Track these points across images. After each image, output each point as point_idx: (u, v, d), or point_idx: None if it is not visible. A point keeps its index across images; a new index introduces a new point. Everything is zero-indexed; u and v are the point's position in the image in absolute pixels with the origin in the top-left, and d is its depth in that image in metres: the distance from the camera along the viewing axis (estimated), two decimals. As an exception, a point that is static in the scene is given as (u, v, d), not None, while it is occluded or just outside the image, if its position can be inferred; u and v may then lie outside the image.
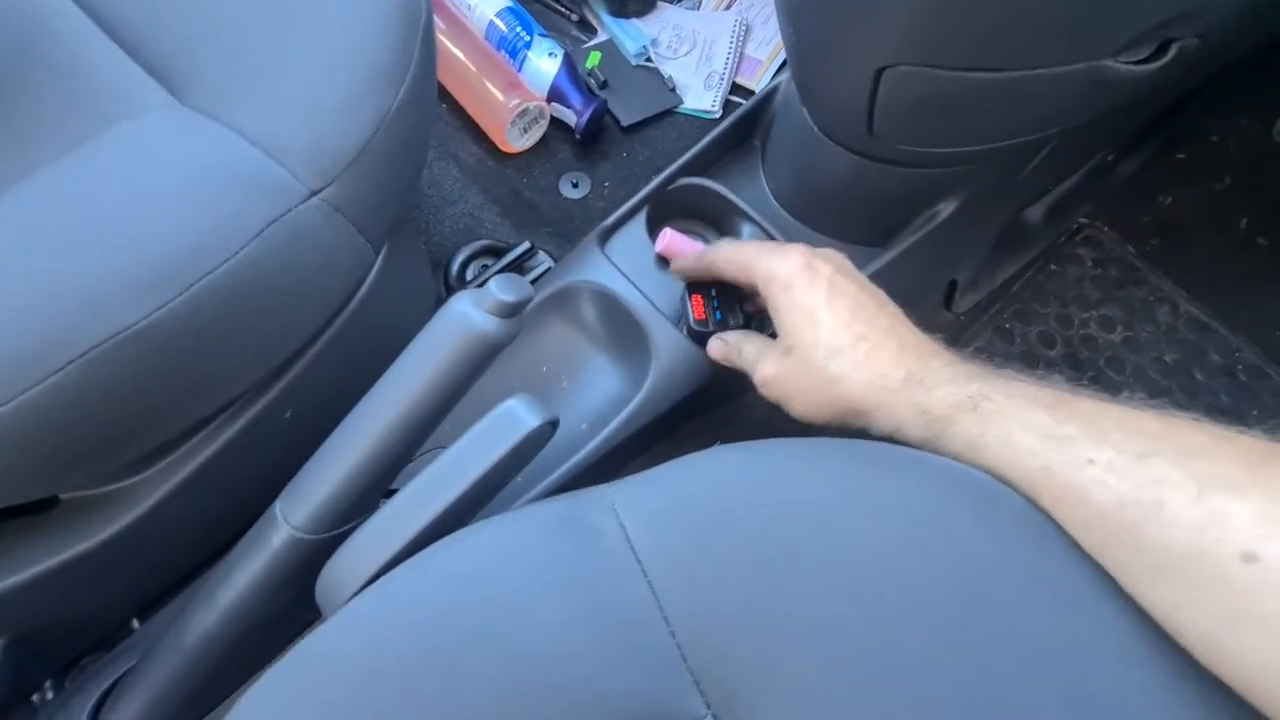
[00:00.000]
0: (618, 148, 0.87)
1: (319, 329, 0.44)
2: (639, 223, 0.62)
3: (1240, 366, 0.82)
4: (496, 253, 0.74)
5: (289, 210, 0.36)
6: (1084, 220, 0.87)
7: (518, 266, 0.69)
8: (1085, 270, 0.86)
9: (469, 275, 0.72)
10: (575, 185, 0.85)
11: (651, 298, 0.55)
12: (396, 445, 0.35)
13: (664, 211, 0.65)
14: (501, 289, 0.33)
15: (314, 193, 0.37)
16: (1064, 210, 0.85)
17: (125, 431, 0.36)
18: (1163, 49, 0.40)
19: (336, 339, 0.47)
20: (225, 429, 0.46)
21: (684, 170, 0.64)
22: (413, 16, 0.41)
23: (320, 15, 0.39)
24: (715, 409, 0.65)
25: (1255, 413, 0.80)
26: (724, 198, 0.63)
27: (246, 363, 0.40)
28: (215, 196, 0.35)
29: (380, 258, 0.47)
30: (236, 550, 0.38)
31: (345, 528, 0.37)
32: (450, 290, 0.71)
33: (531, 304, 0.56)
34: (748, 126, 0.68)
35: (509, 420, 0.32)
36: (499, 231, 0.77)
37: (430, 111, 0.47)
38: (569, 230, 0.81)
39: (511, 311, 0.34)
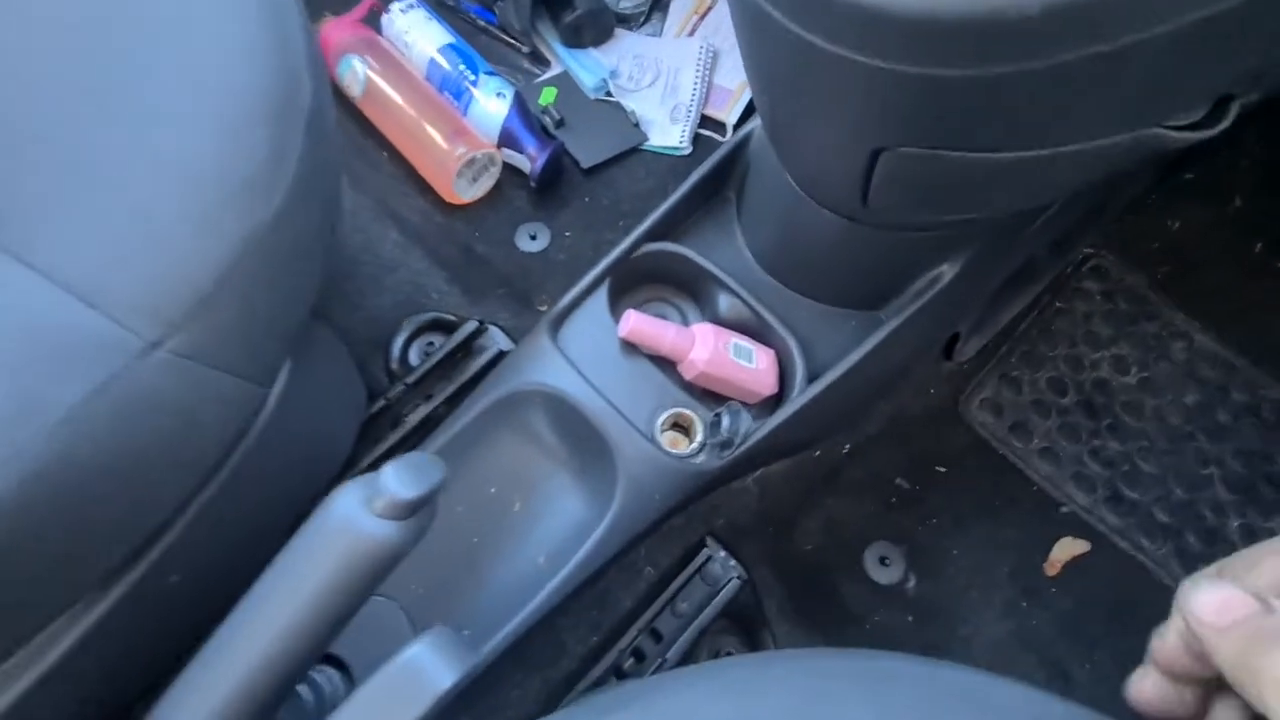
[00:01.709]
0: (578, 193, 0.78)
1: (194, 489, 0.35)
2: (599, 299, 0.53)
3: (1265, 404, 0.75)
4: (444, 328, 0.65)
5: (114, 375, 0.27)
6: (1090, 250, 0.80)
7: (466, 347, 0.60)
8: (1094, 305, 0.78)
9: (412, 358, 0.63)
10: (534, 237, 0.76)
11: (613, 399, 0.47)
12: (272, 679, 0.26)
13: (629, 280, 0.57)
14: (399, 481, 0.25)
15: (154, 345, 0.28)
16: (1069, 241, 0.77)
17: None
18: (1220, 109, 0.32)
19: (227, 487, 0.38)
20: (91, 610, 0.36)
21: (649, 235, 0.55)
22: (291, 104, 0.32)
23: (165, 114, 0.30)
24: (703, 499, 0.57)
25: (1286, 457, 0.72)
26: (697, 265, 0.55)
27: (86, 558, 0.31)
28: (3, 374, 0.26)
29: (278, 385, 0.38)
30: None
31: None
32: (392, 376, 0.62)
33: (475, 415, 0.48)
34: (719, 178, 0.59)
35: (413, 680, 0.23)
36: (447, 300, 0.68)
37: (332, 204, 0.38)
38: (527, 288, 0.72)
39: (412, 510, 0.25)
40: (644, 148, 0.80)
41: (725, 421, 0.46)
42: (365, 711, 0.24)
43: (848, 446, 0.67)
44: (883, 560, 0.66)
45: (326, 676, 0.41)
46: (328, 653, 0.43)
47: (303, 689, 0.39)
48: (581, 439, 0.46)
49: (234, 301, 0.30)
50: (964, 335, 0.71)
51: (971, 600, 0.64)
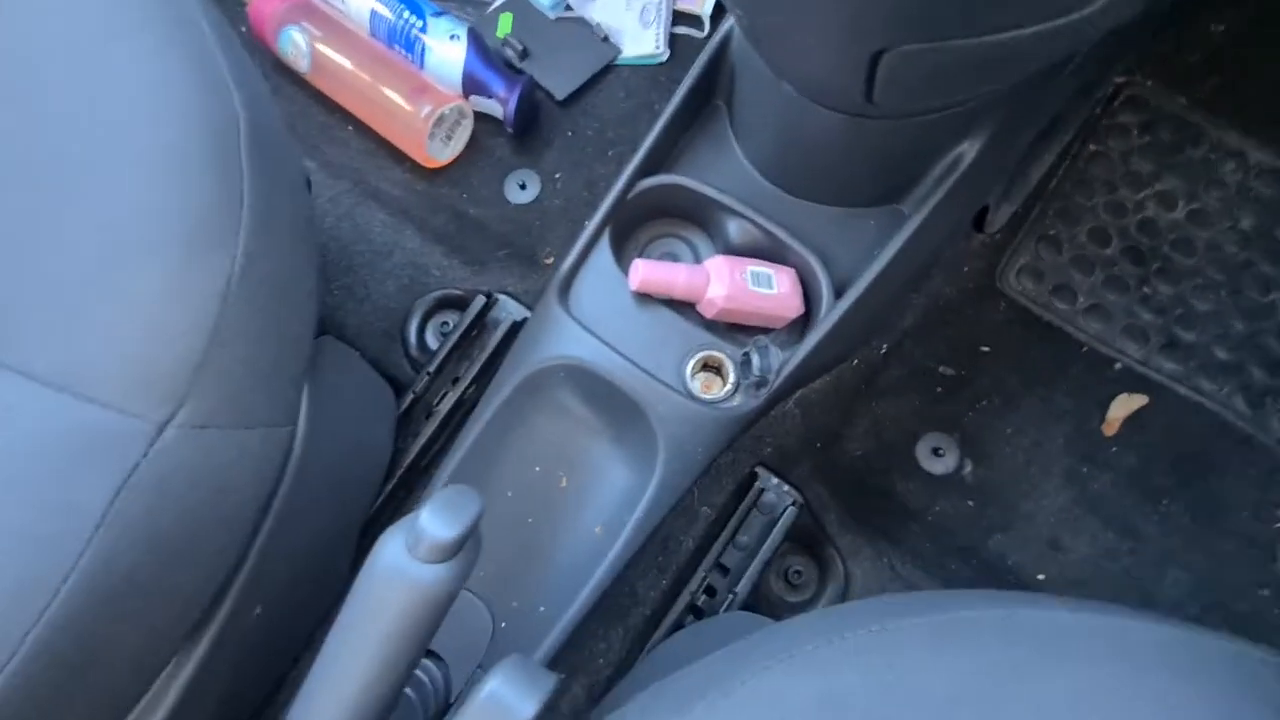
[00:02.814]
0: (559, 128, 0.73)
1: (248, 535, 0.35)
2: (603, 253, 0.50)
3: (1330, 214, 0.69)
4: (454, 304, 0.63)
5: (135, 464, 0.27)
6: (1121, 79, 0.72)
7: (480, 322, 0.59)
8: (1132, 141, 0.72)
9: (430, 341, 0.62)
10: (523, 186, 0.72)
11: (636, 357, 0.45)
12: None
13: (630, 222, 0.53)
14: (436, 523, 0.24)
15: (164, 424, 0.27)
16: (1096, 74, 0.70)
17: None
18: None
19: (281, 522, 0.39)
20: (187, 660, 0.38)
21: (641, 170, 0.51)
22: (223, 130, 0.29)
23: (99, 187, 0.27)
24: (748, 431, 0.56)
25: (1355, 267, 0.68)
26: (697, 193, 0.51)
27: (159, 627, 0.31)
28: (27, 493, 0.25)
29: (301, 417, 0.38)
30: None
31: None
32: (415, 364, 0.61)
33: (504, 400, 0.46)
34: (705, 88, 0.54)
35: (498, 716, 0.24)
36: (450, 274, 0.66)
37: (302, 211, 0.35)
38: (529, 243, 0.69)
39: (456, 548, 0.25)
40: (619, 62, 0.74)
41: (755, 361, 0.44)
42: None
43: (884, 347, 0.65)
44: (935, 451, 0.65)
45: (424, 669, 0.43)
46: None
47: (408, 691, 0.41)
48: (613, 404, 0.45)
49: (230, 356, 0.29)
50: (993, 205, 0.67)
51: (1031, 475, 0.64)
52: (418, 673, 0.44)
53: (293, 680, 0.50)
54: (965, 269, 0.69)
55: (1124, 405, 0.66)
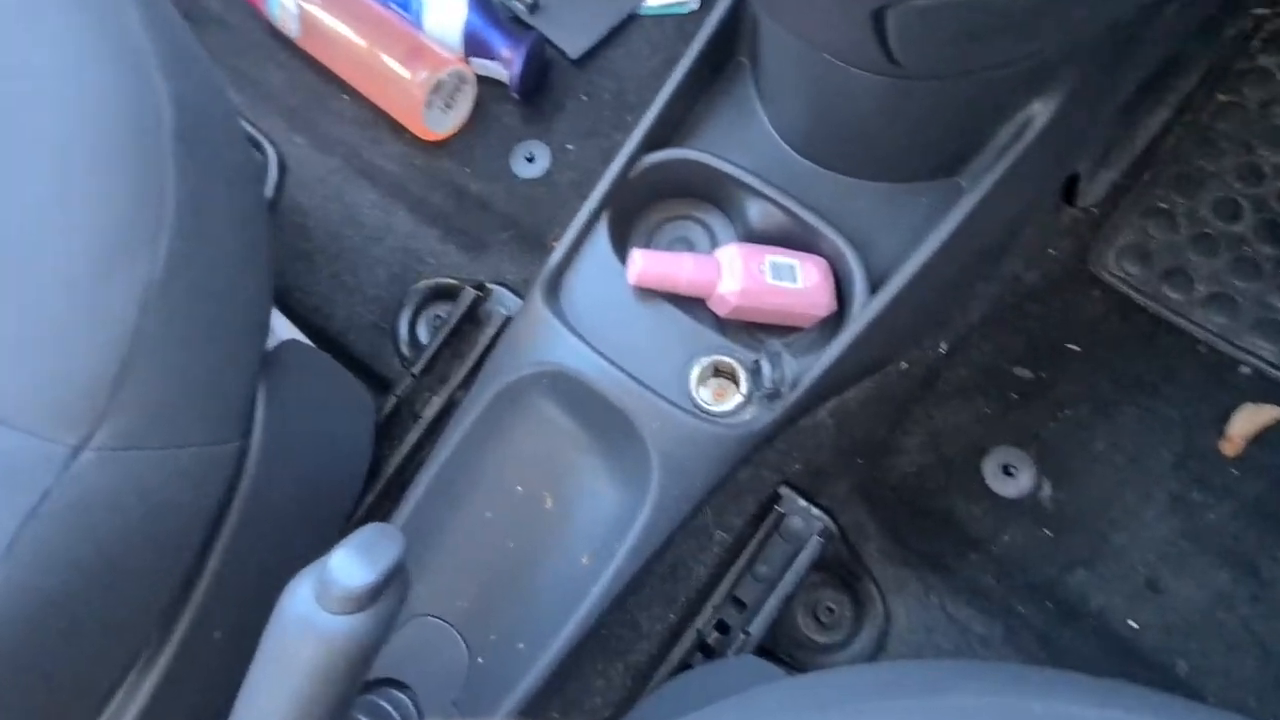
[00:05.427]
0: (573, 91, 0.72)
1: (196, 557, 0.36)
2: (599, 240, 0.49)
3: None
4: (450, 294, 0.64)
5: (46, 491, 0.28)
6: (1261, 10, 0.65)
7: (473, 316, 0.59)
8: (1275, 88, 0.65)
9: (422, 335, 0.62)
10: (531, 159, 0.71)
11: (629, 364, 0.43)
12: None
13: (635, 202, 0.52)
14: (347, 570, 0.24)
15: (79, 448, 0.28)
16: (1227, 8, 0.63)
17: None
18: None
19: (239, 540, 0.40)
20: (140, 685, 0.40)
21: (648, 142, 0.50)
22: (145, 126, 0.29)
23: (6, 194, 0.28)
24: (772, 444, 0.54)
25: None
26: (712, 169, 0.49)
27: (105, 654, 0.33)
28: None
29: (257, 429, 0.38)
30: None
31: None
32: (405, 361, 0.62)
33: (482, 410, 0.46)
34: (726, 42, 0.52)
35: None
36: (445, 260, 0.66)
37: (251, 202, 0.36)
38: (533, 224, 0.68)
39: (368, 599, 0.24)
40: (642, 11, 0.72)
41: (766, 370, 0.42)
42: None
43: (944, 346, 0.61)
44: (1006, 469, 0.61)
45: (388, 698, 0.44)
46: (390, 678, 0.46)
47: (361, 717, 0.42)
48: (603, 418, 0.44)
49: (153, 371, 0.29)
50: (1086, 173, 0.62)
51: (1126, 501, 0.59)
52: (381, 702, 0.44)
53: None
54: (1051, 250, 0.64)
55: (1250, 418, 0.60)
